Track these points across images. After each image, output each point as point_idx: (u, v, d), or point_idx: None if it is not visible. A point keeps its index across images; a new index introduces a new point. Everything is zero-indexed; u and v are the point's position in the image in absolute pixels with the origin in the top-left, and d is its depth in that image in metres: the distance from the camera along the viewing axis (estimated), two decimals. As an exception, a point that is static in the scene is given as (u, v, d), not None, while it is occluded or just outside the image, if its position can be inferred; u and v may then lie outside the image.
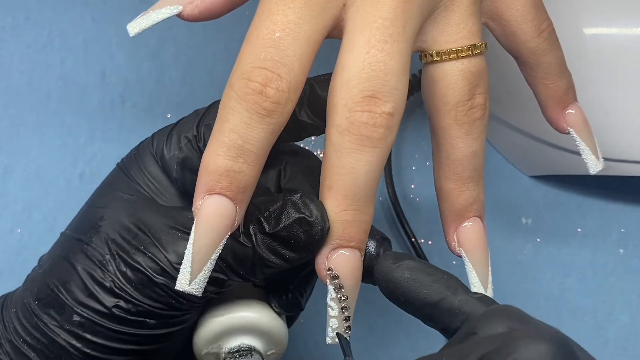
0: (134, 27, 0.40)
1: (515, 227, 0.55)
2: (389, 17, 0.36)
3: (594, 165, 0.43)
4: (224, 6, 0.40)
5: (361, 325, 0.51)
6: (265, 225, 0.36)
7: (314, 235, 0.35)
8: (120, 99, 0.56)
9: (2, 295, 0.40)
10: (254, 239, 0.36)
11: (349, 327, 0.36)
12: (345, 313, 0.36)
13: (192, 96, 0.56)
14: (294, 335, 0.42)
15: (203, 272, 0.35)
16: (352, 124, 0.35)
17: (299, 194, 0.36)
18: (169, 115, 0.56)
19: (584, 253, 0.55)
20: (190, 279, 0.34)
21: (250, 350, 0.38)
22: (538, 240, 0.55)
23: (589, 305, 0.54)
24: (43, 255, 0.40)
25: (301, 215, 0.35)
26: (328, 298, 0.36)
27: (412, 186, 0.55)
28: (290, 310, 0.40)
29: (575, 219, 0.55)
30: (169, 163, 0.39)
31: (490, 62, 0.40)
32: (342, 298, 0.36)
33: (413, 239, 0.53)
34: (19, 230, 0.53)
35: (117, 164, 0.40)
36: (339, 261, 0.36)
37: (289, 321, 0.41)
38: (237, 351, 0.38)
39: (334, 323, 0.36)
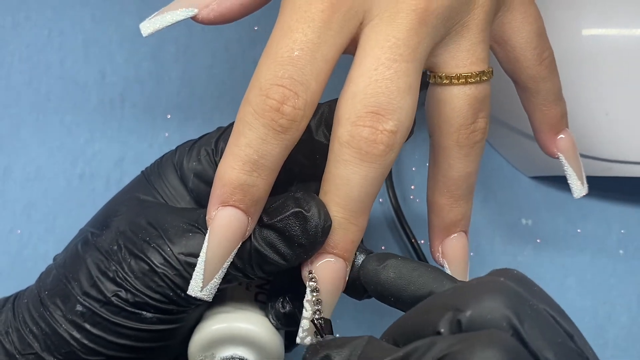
0: (148, 27, 0.40)
1: (516, 228, 0.55)
2: (401, 37, 0.36)
3: (578, 190, 0.45)
4: (240, 11, 0.40)
5: (361, 325, 0.51)
6: (264, 217, 0.36)
7: (308, 231, 0.36)
8: (120, 99, 0.56)
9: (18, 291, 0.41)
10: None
11: (318, 332, 0.36)
12: (316, 316, 0.36)
13: (191, 96, 0.56)
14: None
15: (214, 279, 0.36)
16: (352, 137, 0.35)
17: (301, 192, 0.37)
18: (168, 116, 0.56)
19: (584, 254, 0.55)
20: (202, 286, 0.36)
21: None
22: (538, 241, 0.55)
23: (589, 307, 0.54)
24: (59, 254, 0.41)
25: (299, 209, 0.36)
26: (305, 299, 0.36)
27: (412, 187, 0.55)
28: (286, 325, 0.39)
29: (575, 220, 0.55)
30: (186, 173, 0.40)
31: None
32: (317, 301, 0.36)
33: (413, 240, 0.53)
34: (19, 231, 0.53)
35: (142, 171, 0.41)
36: (321, 266, 0.36)
37: (291, 344, 0.41)
38: None
39: (305, 324, 0.36)
